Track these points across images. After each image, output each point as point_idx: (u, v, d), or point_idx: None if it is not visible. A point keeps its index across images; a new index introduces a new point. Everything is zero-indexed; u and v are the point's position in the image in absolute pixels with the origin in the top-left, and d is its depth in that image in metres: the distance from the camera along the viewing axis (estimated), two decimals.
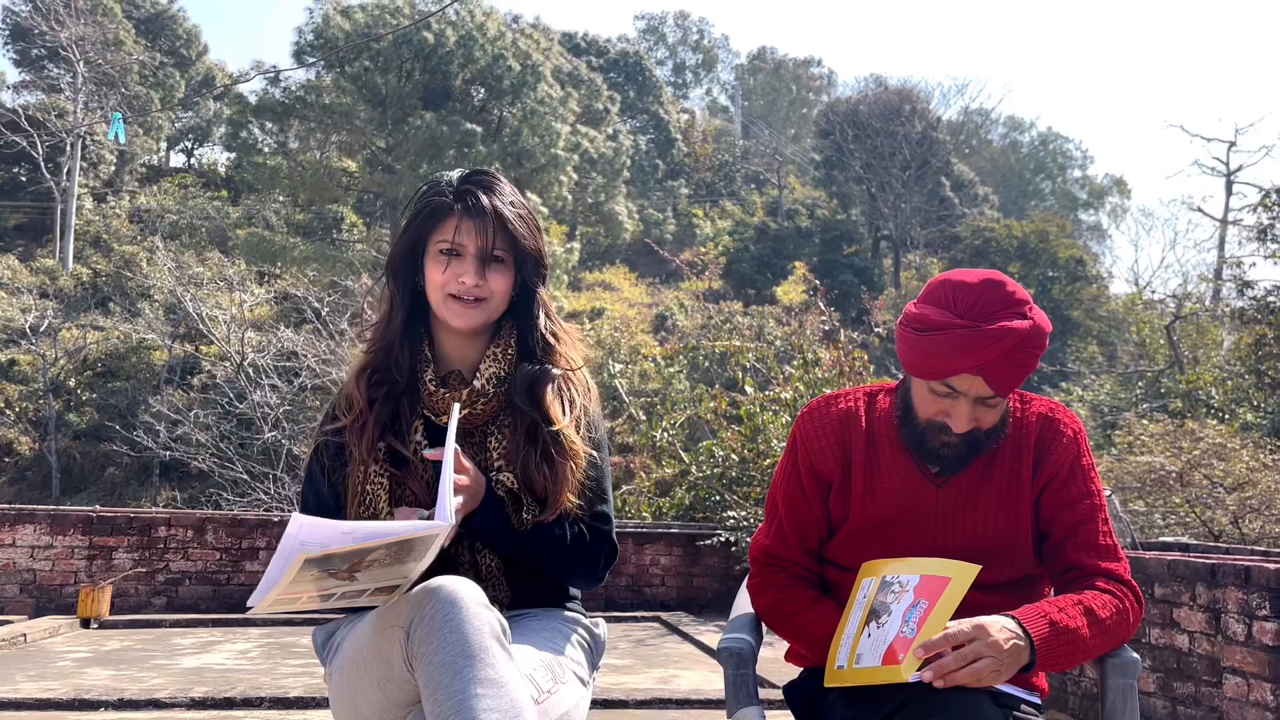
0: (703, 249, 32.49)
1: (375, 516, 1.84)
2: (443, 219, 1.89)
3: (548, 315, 1.98)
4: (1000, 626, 1.65)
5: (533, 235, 1.92)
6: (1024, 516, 1.89)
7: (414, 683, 1.62)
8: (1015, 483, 1.89)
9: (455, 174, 1.95)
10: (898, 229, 37.69)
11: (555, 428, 1.89)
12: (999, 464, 1.90)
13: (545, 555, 1.89)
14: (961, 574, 1.72)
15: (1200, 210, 35.06)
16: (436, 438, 1.88)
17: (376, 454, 1.86)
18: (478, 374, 1.91)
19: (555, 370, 1.95)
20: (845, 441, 1.96)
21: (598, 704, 5.30)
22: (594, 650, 2.00)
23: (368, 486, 1.86)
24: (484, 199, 1.88)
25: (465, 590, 1.62)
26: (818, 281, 13.67)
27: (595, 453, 1.96)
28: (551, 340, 1.96)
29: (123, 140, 21.65)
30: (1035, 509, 1.90)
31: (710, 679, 6.29)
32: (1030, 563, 1.91)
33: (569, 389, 1.96)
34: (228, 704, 5.32)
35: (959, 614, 1.67)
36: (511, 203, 1.91)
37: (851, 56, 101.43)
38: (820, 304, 12.20)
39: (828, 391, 2.48)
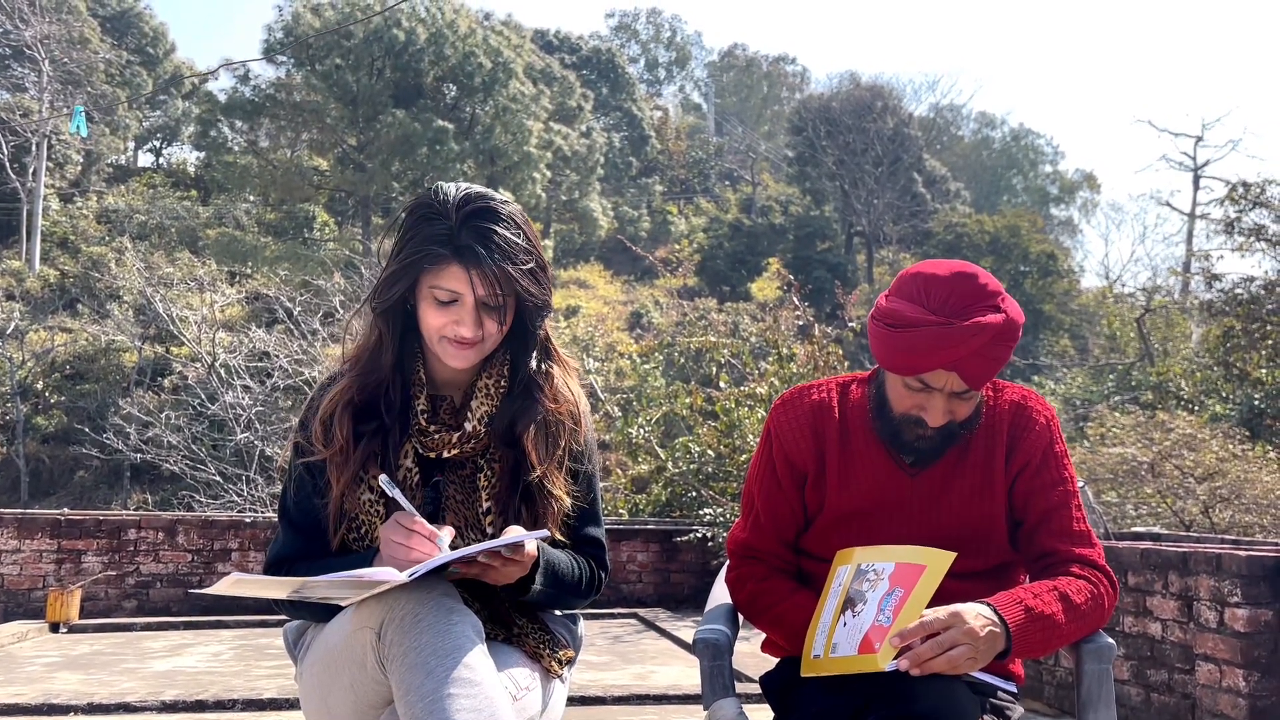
0: (677, 246, 32.52)
1: (366, 543, 1.79)
2: (440, 265, 1.74)
3: (546, 353, 1.90)
4: (976, 614, 1.65)
5: (539, 287, 1.79)
6: (998, 504, 1.88)
7: (387, 683, 1.59)
8: (988, 471, 1.89)
9: (453, 199, 1.75)
10: (871, 225, 37.86)
11: (533, 475, 1.82)
12: (972, 452, 1.90)
13: (550, 597, 1.84)
14: (937, 561, 1.71)
15: (1169, 205, 35.47)
16: (428, 463, 1.83)
17: (363, 480, 1.79)
18: (469, 413, 1.83)
19: (539, 410, 1.86)
20: (819, 432, 1.95)
21: (575, 700, 5.27)
22: (571, 647, 1.98)
23: (362, 516, 1.79)
24: (486, 258, 1.72)
25: (437, 590, 1.60)
26: (792, 277, 13.68)
27: (574, 486, 1.89)
28: (541, 381, 1.88)
29: (84, 133, 21.41)
30: (1009, 496, 1.90)
31: (688, 674, 6.28)
32: (1005, 550, 1.91)
33: (553, 427, 1.88)
34: (199, 706, 5.26)
35: (934, 602, 1.67)
36: (515, 253, 1.75)
37: (824, 53, 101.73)
38: (795, 300, 12.21)
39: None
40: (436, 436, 1.82)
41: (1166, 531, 7.73)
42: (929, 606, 1.66)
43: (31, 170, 30.39)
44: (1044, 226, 40.75)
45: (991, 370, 1.78)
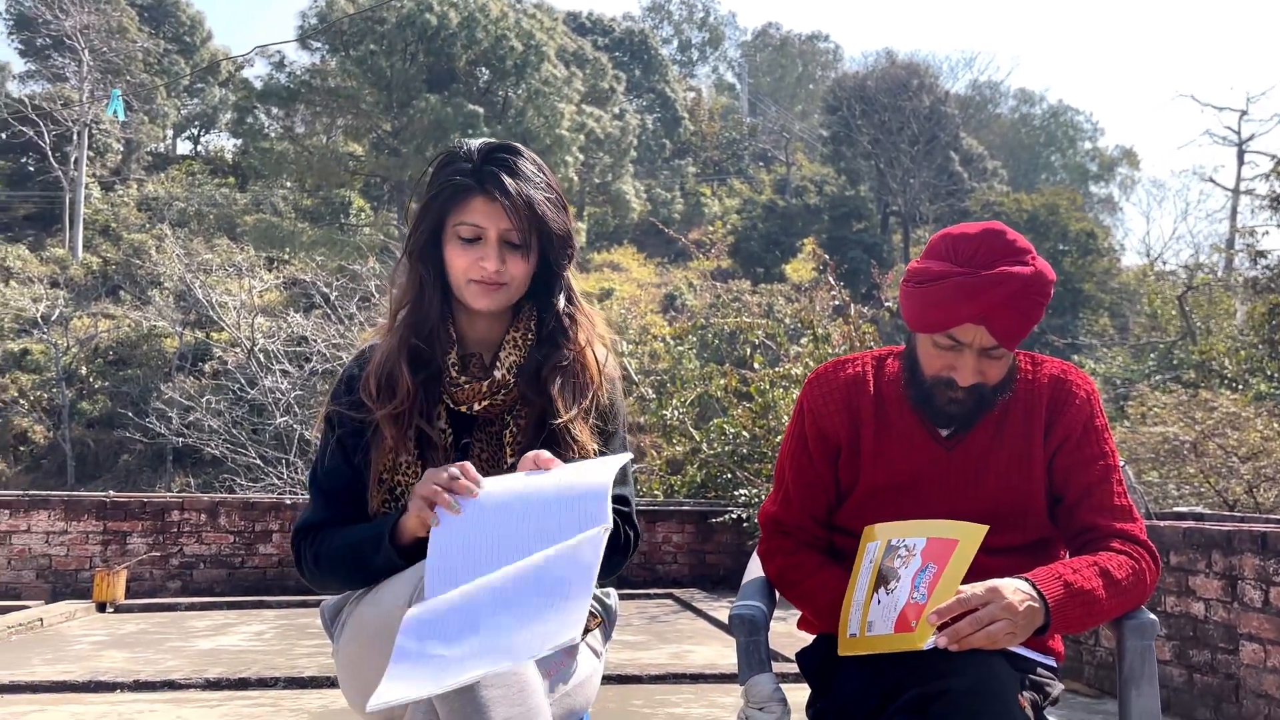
0: (711, 228, 32.42)
1: (401, 504, 1.79)
2: (464, 199, 1.79)
3: (568, 297, 1.90)
4: (1014, 589, 1.63)
5: (560, 217, 1.83)
6: (1036, 479, 1.86)
7: None
8: (1027, 445, 1.87)
9: (475, 145, 1.82)
10: (906, 204, 37.50)
11: (559, 420, 1.82)
12: (1010, 426, 1.88)
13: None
14: (969, 535, 1.69)
15: (1212, 180, 34.85)
16: (458, 424, 1.84)
17: (409, 443, 1.80)
18: (498, 363, 1.85)
19: (566, 356, 1.87)
20: (853, 406, 1.94)
21: (611, 679, 5.30)
22: (606, 622, 1.98)
23: (399, 477, 1.80)
24: (509, 182, 1.77)
25: None
26: (827, 257, 13.59)
27: (601, 444, 1.87)
28: (566, 322, 1.88)
29: (122, 117, 21.64)
30: (1048, 471, 1.87)
31: (723, 654, 6.28)
32: (1044, 526, 1.89)
33: (580, 376, 1.88)
34: (242, 684, 5.35)
35: (971, 577, 1.65)
36: (537, 183, 1.81)
37: (858, 31, 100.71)
38: (830, 280, 12.13)
39: None
40: (467, 387, 1.82)
41: (1209, 511, 7.63)
42: (964, 582, 1.64)
43: (73, 159, 30.83)
44: (1083, 204, 40.16)
45: (1021, 326, 1.75)
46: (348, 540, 1.76)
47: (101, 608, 8.27)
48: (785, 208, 36.94)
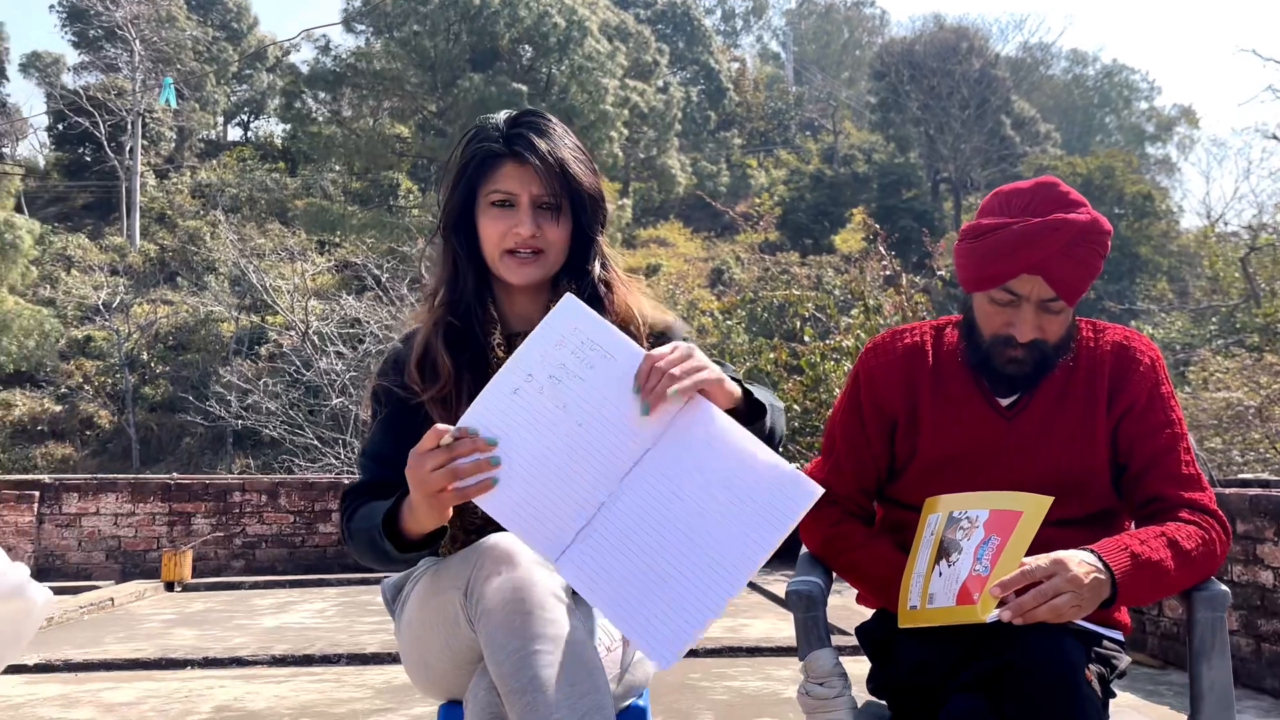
0: (758, 200, 32.16)
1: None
2: (494, 167, 1.79)
3: (602, 264, 1.88)
4: (1079, 560, 1.60)
5: (590, 176, 1.82)
6: (1100, 447, 1.83)
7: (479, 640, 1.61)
8: (1090, 413, 1.83)
9: (502, 116, 1.83)
10: (958, 171, 36.92)
11: None
12: (1072, 394, 1.84)
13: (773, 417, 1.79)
14: (1033, 507, 1.66)
15: (1275, 138, 33.79)
16: None
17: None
18: None
19: (607, 318, 1.86)
20: (911, 377, 1.91)
21: None
22: None
23: None
24: (537, 142, 1.77)
25: (518, 546, 1.59)
26: (878, 227, 13.43)
27: None
28: (603, 290, 1.85)
29: (174, 104, 21.97)
30: (1112, 440, 1.83)
31: (779, 626, 6.29)
32: (1108, 496, 1.85)
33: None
34: (307, 661, 5.45)
35: (1033, 550, 1.63)
36: (566, 144, 1.80)
37: None
38: (880, 250, 12.00)
39: None
40: None
41: (1276, 478, 7.46)
42: (1028, 554, 1.62)
43: (128, 148, 31.37)
44: (1139, 166, 39.28)
45: (1079, 276, 1.72)
46: (370, 524, 1.69)
47: (169, 587, 8.48)
48: (833, 177, 36.54)
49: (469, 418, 1.49)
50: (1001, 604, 1.58)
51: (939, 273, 13.20)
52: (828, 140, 43.13)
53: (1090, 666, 1.63)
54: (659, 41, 37.36)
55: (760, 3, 57.65)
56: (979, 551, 1.66)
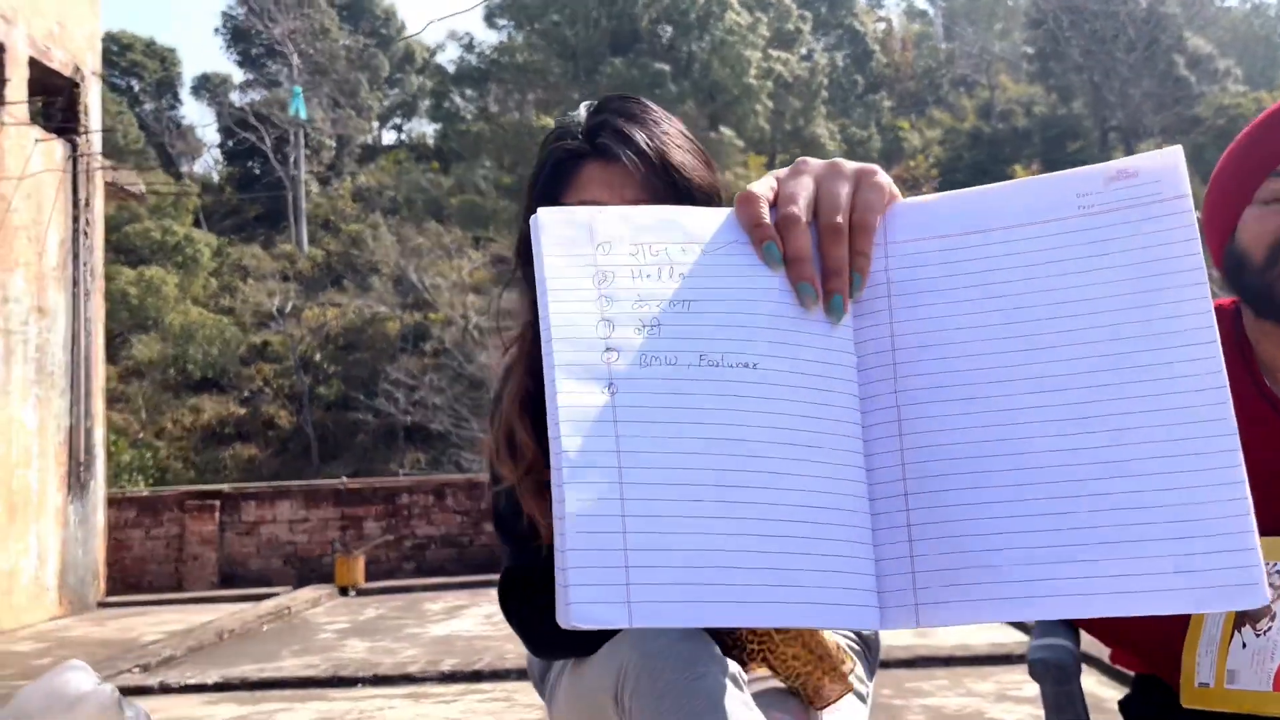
0: (912, 163, 31.04)
1: None
2: (574, 171, 1.35)
3: None
4: None
5: (704, 170, 1.36)
6: None
7: None
8: None
9: (582, 109, 1.38)
10: (1128, 117, 34.69)
11: None
12: None
13: None
14: None
15: None
16: None
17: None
18: None
19: None
20: None
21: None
22: (869, 652, 1.65)
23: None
24: (629, 130, 1.32)
25: (672, 636, 1.28)
26: None
27: None
28: None
29: (304, 115, 22.67)
30: None
31: (974, 632, 5.87)
32: None
33: None
34: (476, 677, 5.39)
35: None
36: (666, 130, 1.35)
37: None
38: None
39: None
40: None
41: None
42: None
43: (292, 159, 32.80)
44: None
45: None
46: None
47: (344, 591, 8.66)
48: (991, 134, 34.94)
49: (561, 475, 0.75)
50: None
51: None
52: (983, 96, 41.27)
53: None
54: (801, 9, 36.46)
55: None
56: None
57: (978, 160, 33.46)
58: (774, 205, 0.83)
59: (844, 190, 0.84)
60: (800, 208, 0.81)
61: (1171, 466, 0.76)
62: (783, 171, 0.86)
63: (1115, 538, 0.74)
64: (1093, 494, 0.75)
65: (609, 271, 0.81)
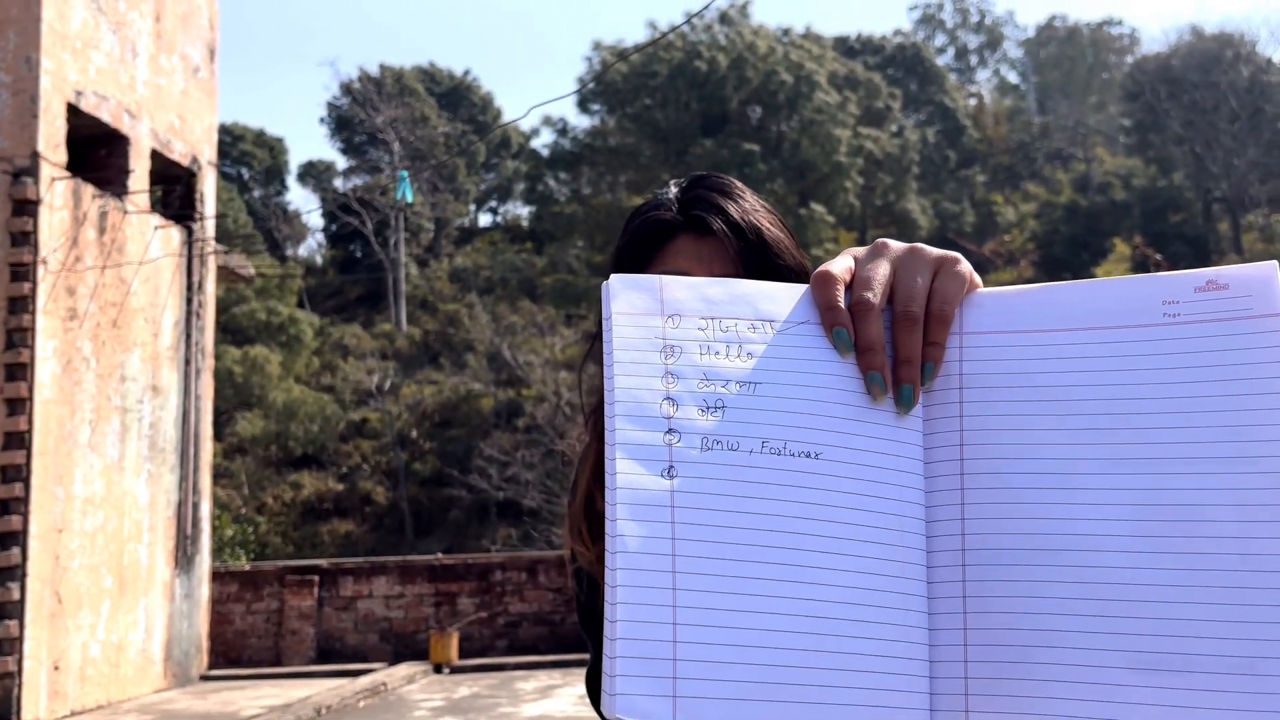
0: (1007, 237, 30.64)
1: None
2: (663, 243, 1.30)
3: None
4: None
5: (794, 251, 1.31)
6: None
7: None
8: None
9: (673, 186, 1.36)
10: (1232, 188, 33.76)
11: None
12: None
13: None
14: None
15: None
16: None
17: None
18: None
19: None
20: None
21: None
22: None
23: None
24: (723, 204, 1.30)
25: None
26: (1155, 254, 12.27)
27: None
28: None
29: (410, 199, 23.43)
30: None
31: None
32: None
33: None
34: None
35: None
36: (758, 208, 1.32)
37: (1154, 11, 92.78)
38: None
39: None
40: None
41: None
42: None
43: (392, 242, 33.91)
44: None
45: None
46: None
47: (438, 669, 8.67)
48: (1089, 207, 34.30)
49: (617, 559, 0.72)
50: None
51: None
52: (1079, 169, 40.65)
53: None
54: (890, 86, 36.62)
55: (995, 35, 55.63)
56: None
57: (1075, 234, 32.84)
58: (849, 287, 0.82)
59: (923, 278, 0.83)
60: (876, 294, 0.80)
61: (1242, 599, 0.71)
62: (861, 251, 0.85)
63: (1181, 666, 0.70)
64: (1158, 618, 0.72)
65: (677, 346, 0.80)
